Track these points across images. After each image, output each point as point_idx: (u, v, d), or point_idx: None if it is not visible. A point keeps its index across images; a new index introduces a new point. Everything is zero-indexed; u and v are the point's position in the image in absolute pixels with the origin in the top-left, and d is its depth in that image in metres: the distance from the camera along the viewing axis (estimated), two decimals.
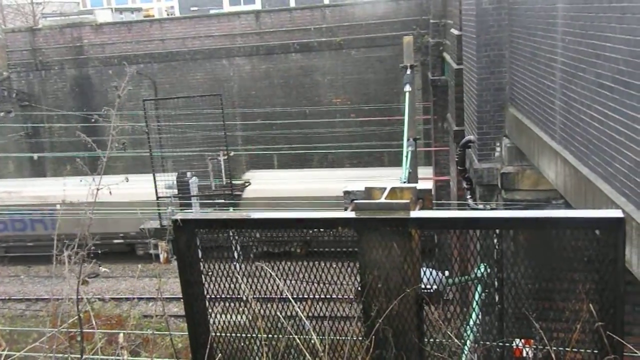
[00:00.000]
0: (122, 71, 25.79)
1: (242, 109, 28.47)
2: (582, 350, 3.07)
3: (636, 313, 6.96)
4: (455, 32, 14.67)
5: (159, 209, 19.98)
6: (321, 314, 3.68)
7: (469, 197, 11.85)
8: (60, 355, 4.34)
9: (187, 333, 3.56)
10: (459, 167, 12.01)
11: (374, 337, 3.20)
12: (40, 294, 22.05)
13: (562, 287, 3.11)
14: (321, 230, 3.66)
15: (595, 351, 2.96)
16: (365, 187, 3.49)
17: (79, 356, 3.99)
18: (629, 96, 5.13)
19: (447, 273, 3.66)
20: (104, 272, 20.65)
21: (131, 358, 12.60)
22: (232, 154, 22.40)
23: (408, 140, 14.79)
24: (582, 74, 6.43)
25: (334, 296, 3.58)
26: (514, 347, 3.41)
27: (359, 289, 3.33)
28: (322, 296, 3.57)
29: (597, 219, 2.94)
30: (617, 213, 2.88)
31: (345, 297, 3.50)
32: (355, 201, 3.33)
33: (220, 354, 3.63)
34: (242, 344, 3.72)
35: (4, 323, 19.03)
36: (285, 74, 28.59)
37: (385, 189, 3.41)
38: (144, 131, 20.18)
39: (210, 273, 3.60)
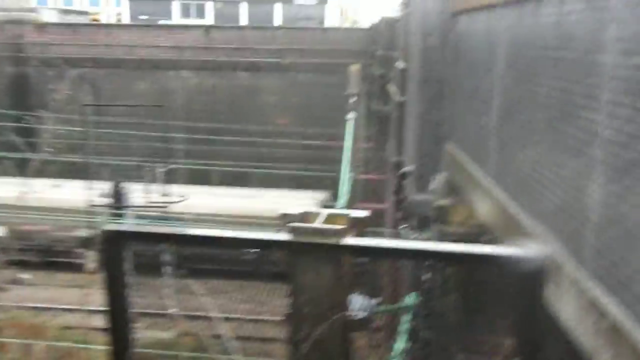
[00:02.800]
0: (63, 74, 25.08)
1: (185, 122, 28.10)
2: None
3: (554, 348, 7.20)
4: (400, 65, 15.03)
5: (89, 218, 19.36)
6: (248, 335, 3.66)
7: (403, 227, 12.06)
8: None
9: (108, 347, 3.45)
10: (395, 197, 12.23)
11: None
12: None
13: (485, 320, 3.21)
14: (256, 250, 3.65)
15: None
16: (302, 211, 3.51)
17: None
18: (558, 141, 5.38)
19: (375, 301, 3.71)
20: (27, 280, 19.81)
21: None
22: (171, 166, 22.04)
23: (347, 166, 14.96)
24: (517, 115, 6.70)
25: (263, 317, 3.57)
26: None
27: (288, 311, 3.33)
28: (251, 317, 3.55)
29: (521, 257, 3.06)
30: (540, 251, 3.00)
31: (272, 318, 3.49)
32: (291, 224, 3.34)
33: None
34: None
35: None
36: (231, 91, 28.49)
37: (321, 214, 3.43)
38: (81, 137, 19.62)
39: (136, 287, 3.52)
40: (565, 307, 5.06)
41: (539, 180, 5.92)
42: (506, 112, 7.15)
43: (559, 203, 5.39)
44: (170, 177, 22.75)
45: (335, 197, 16.51)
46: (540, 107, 5.88)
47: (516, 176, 6.71)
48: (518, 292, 2.97)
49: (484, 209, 8.06)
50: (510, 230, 6.78)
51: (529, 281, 2.93)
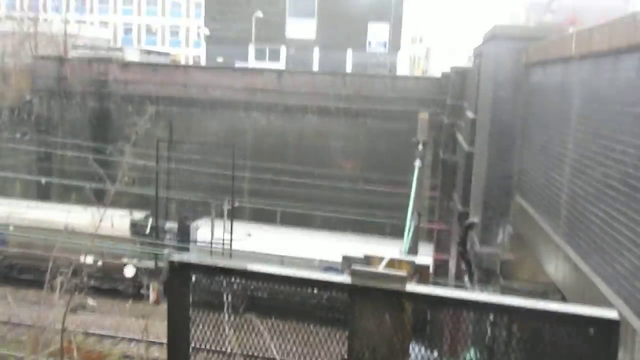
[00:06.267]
0: (141, 110, 26.27)
1: (252, 161, 28.70)
2: None
3: None
4: (470, 115, 14.92)
5: (155, 250, 19.89)
6: None
7: (466, 279, 11.77)
8: None
9: None
10: (459, 248, 11.98)
11: None
12: (24, 319, 21.64)
13: None
14: (314, 291, 3.64)
15: None
16: (365, 255, 3.50)
17: None
18: (635, 200, 5.18)
19: (435, 353, 3.61)
20: (91, 306, 20.35)
21: None
22: (236, 204, 22.46)
23: (412, 213, 14.83)
24: (590, 171, 6.50)
25: None
26: None
27: (345, 357, 3.28)
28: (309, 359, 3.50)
29: (592, 318, 2.92)
30: (613, 314, 2.86)
31: None
32: (353, 267, 3.33)
33: None
34: None
35: None
36: (299, 134, 28.96)
37: (384, 258, 3.41)
38: (155, 171, 20.31)
39: (198, 320, 3.55)
40: None
41: (614, 240, 5.69)
42: (579, 167, 6.95)
43: (635, 266, 5.14)
44: (236, 215, 23.15)
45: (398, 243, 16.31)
46: (618, 163, 5.69)
47: (588, 234, 6.47)
48: (587, 355, 2.82)
49: (552, 267, 7.78)
50: (581, 290, 6.51)
51: (600, 344, 2.79)
